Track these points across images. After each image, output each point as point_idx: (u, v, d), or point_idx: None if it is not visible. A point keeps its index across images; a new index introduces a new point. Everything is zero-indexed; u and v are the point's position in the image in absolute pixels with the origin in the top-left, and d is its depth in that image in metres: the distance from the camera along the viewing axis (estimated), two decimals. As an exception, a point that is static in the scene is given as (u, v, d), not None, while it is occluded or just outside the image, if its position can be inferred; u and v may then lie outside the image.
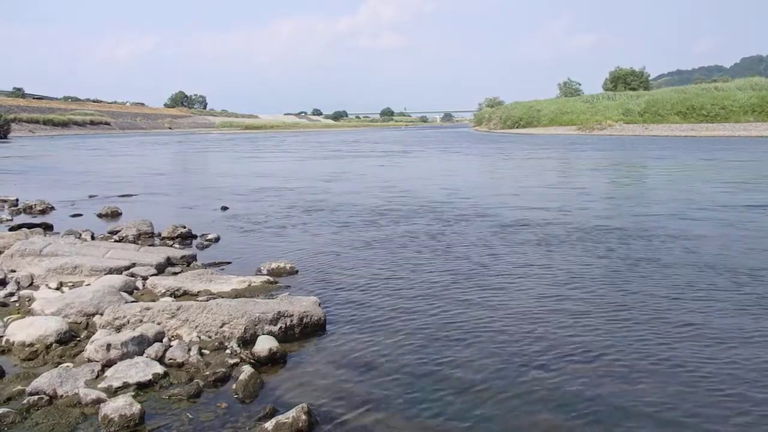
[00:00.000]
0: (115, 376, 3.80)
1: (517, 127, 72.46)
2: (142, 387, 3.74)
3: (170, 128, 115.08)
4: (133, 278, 6.09)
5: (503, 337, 4.71)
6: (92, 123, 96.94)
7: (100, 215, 10.98)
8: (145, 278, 6.19)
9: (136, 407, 3.38)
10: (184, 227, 8.89)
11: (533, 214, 10.63)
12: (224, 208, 11.77)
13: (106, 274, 6.17)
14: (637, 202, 12.45)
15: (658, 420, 3.47)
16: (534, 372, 4.08)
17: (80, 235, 8.54)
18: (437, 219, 10.24)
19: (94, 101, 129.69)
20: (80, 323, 4.90)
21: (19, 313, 5.16)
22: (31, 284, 6.07)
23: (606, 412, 3.55)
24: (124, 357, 4.05)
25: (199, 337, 4.56)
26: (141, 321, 4.66)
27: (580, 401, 3.67)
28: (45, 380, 3.69)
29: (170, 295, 5.68)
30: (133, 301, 5.31)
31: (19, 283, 6.01)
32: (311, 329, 4.84)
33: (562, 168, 23.38)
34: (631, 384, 3.89)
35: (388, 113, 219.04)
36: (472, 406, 3.64)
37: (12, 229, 8.96)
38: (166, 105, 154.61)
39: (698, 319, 5.06)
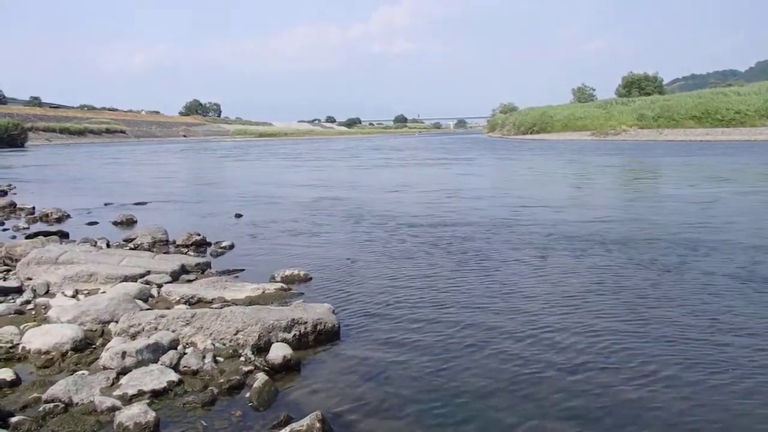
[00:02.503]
0: (130, 384, 3.81)
1: (531, 133, 72.19)
2: (156, 394, 3.74)
3: (185, 136, 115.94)
4: (148, 286, 6.11)
5: (520, 346, 4.67)
6: (108, 131, 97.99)
7: (115, 223, 11.05)
8: (159, 286, 6.21)
9: (151, 415, 3.39)
10: (199, 235, 8.93)
11: (562, 223, 10.57)
12: (238, 216, 11.81)
13: (121, 281, 6.19)
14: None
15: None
16: (551, 381, 4.04)
17: (96, 242, 8.59)
18: (457, 228, 10.18)
19: (109, 110, 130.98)
20: (96, 331, 4.92)
21: (35, 320, 5.19)
22: (47, 292, 6.11)
23: (623, 423, 3.51)
24: (139, 364, 4.06)
25: (214, 345, 4.56)
26: (156, 328, 4.67)
27: (597, 411, 3.63)
28: (61, 388, 3.70)
29: (185, 303, 5.70)
30: (148, 309, 5.33)
31: (35, 290, 6.05)
32: (325, 336, 4.82)
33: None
34: (650, 394, 3.85)
35: (401, 120, 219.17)
36: (487, 415, 3.62)
37: (28, 237, 9.03)
38: (180, 113, 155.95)
39: (730, 333, 4.98)
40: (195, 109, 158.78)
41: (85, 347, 4.55)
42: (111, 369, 4.04)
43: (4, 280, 6.44)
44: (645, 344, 4.64)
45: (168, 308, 5.35)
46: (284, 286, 6.31)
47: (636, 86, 79.79)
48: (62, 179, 22.74)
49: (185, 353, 4.34)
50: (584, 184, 19.12)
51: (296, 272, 6.78)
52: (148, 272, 6.58)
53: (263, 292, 6.01)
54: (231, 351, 4.46)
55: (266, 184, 19.39)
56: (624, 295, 5.97)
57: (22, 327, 4.91)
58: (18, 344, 4.58)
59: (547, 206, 12.53)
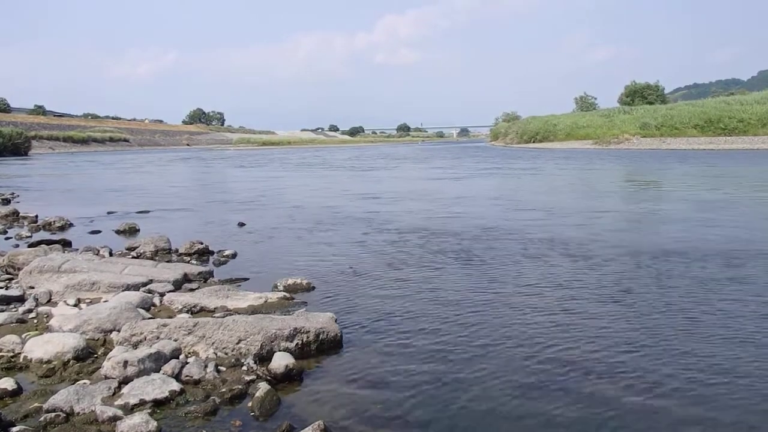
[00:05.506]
0: (131, 393, 3.79)
1: (533, 142, 72.30)
2: (158, 404, 3.72)
3: (188, 145, 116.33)
4: (150, 294, 6.10)
5: (524, 356, 4.65)
6: (111, 140, 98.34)
7: (118, 231, 11.04)
8: (162, 294, 6.20)
9: (153, 424, 3.37)
10: (201, 243, 8.92)
11: (566, 231, 10.55)
12: (241, 224, 11.80)
13: (123, 290, 6.19)
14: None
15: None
16: (555, 391, 4.01)
17: (98, 251, 8.59)
18: (464, 237, 10.15)
19: (113, 118, 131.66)
20: (97, 340, 4.91)
21: (37, 329, 5.18)
22: (49, 301, 6.10)
23: None
24: (140, 374, 4.04)
25: (216, 354, 4.55)
26: (158, 337, 4.66)
27: (602, 421, 3.61)
28: (62, 397, 3.69)
29: (187, 312, 5.69)
30: (150, 318, 5.32)
31: (37, 299, 6.05)
32: (328, 346, 4.80)
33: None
34: (656, 404, 3.82)
35: (404, 128, 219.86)
36: (491, 424, 3.59)
37: (31, 245, 9.03)
38: (184, 122, 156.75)
39: (738, 347, 4.94)
40: (198, 117, 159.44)
41: (87, 356, 4.54)
42: (113, 378, 4.02)
43: (7, 289, 6.43)
44: (652, 353, 4.62)
45: (170, 317, 5.34)
46: (287, 295, 6.29)
47: (639, 95, 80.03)
48: (65, 188, 22.78)
49: (187, 362, 4.32)
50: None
51: (299, 281, 6.76)
52: (151, 281, 6.57)
53: (266, 301, 6.00)
54: (233, 360, 4.44)
55: (268, 193, 19.37)
56: (632, 303, 5.94)
57: (23, 336, 4.91)
58: (20, 353, 4.57)
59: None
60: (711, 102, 67.07)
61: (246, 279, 7.27)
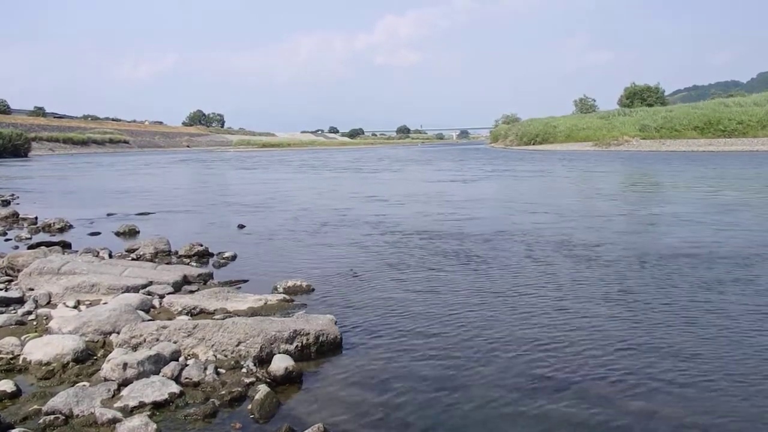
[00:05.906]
0: (131, 396, 3.78)
1: (533, 144, 72.27)
2: (158, 406, 3.72)
3: (188, 146, 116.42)
4: (149, 297, 6.10)
5: (525, 358, 4.64)
6: (111, 141, 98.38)
7: (118, 233, 11.04)
8: (161, 296, 6.20)
9: (152, 427, 3.36)
10: (201, 245, 8.91)
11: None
12: (241, 227, 11.80)
13: (123, 292, 6.18)
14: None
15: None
16: (555, 393, 4.01)
17: (98, 253, 8.58)
18: (463, 239, 10.14)
19: (113, 120, 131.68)
20: (97, 342, 4.90)
21: (36, 331, 5.17)
22: (48, 302, 6.09)
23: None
24: (140, 376, 4.03)
25: (215, 356, 4.54)
26: (157, 340, 4.65)
27: (602, 423, 3.60)
28: (61, 399, 3.68)
29: (187, 314, 5.68)
30: (149, 320, 5.31)
31: (36, 301, 6.04)
32: (327, 348, 4.80)
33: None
34: (655, 406, 3.82)
35: (404, 130, 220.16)
36: (491, 427, 3.59)
37: (31, 247, 9.02)
38: (184, 123, 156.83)
39: (741, 349, 4.93)
40: (198, 119, 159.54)
41: (87, 358, 4.53)
42: (112, 380, 4.01)
43: (6, 291, 6.43)
44: (651, 355, 4.61)
45: (170, 319, 5.33)
46: (287, 297, 6.29)
47: (638, 97, 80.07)
48: (65, 189, 22.77)
49: (187, 364, 4.32)
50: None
51: (299, 283, 6.76)
52: (150, 283, 6.57)
53: (265, 303, 5.99)
54: (233, 362, 4.44)
55: (267, 196, 19.35)
56: (636, 306, 5.93)
57: (23, 338, 4.90)
58: (19, 355, 4.56)
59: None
60: (710, 104, 67.13)
61: (246, 281, 7.27)
